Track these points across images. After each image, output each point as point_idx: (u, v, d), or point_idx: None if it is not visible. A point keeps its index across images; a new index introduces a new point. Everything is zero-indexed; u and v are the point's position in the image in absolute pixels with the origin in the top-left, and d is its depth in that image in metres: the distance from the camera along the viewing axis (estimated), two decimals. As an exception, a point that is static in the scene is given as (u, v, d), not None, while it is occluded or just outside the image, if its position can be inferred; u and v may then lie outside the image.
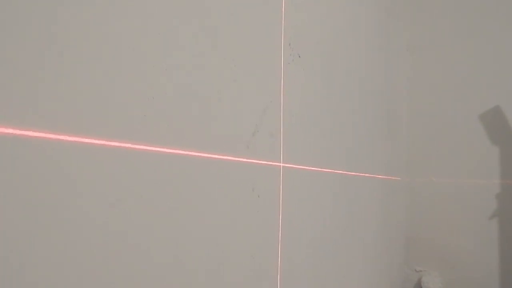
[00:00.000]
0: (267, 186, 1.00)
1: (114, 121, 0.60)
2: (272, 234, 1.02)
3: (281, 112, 1.06)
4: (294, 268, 1.13)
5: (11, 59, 0.47)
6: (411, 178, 2.44)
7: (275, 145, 1.04)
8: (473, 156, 2.30)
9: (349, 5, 1.59)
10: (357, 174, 1.65)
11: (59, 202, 0.52)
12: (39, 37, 0.50)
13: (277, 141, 1.04)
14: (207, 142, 0.79)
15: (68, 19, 0.54)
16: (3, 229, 0.46)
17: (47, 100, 0.51)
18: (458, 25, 2.43)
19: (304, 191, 1.20)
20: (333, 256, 1.42)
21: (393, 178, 2.23)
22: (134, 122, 0.63)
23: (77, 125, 0.55)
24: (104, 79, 0.59)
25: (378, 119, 1.98)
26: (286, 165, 1.08)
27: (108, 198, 0.59)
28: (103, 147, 0.58)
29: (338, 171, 1.45)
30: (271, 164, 1.02)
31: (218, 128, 0.83)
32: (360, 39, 1.71)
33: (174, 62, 0.71)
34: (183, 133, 0.73)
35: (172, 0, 0.71)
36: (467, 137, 2.33)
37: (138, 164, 0.64)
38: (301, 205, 1.18)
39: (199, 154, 0.77)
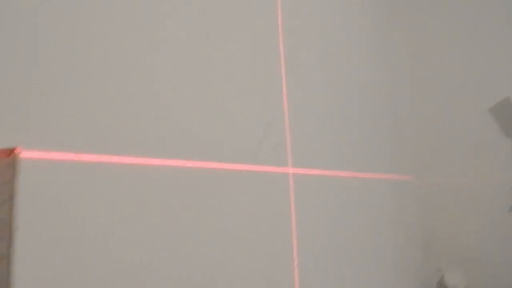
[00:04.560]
0: (279, 194, 1.02)
1: (128, 136, 0.64)
2: (286, 241, 1.04)
3: (286, 120, 1.09)
4: (311, 275, 1.15)
5: (29, 87, 0.51)
6: (427, 178, 2.43)
7: (283, 152, 1.06)
8: (485, 150, 2.28)
9: (347, 10, 1.61)
10: (369, 176, 1.66)
11: (76, 218, 0.56)
12: (51, 62, 0.54)
13: (285, 148, 1.07)
14: (217, 154, 0.83)
15: (80, 41, 0.58)
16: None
17: (63, 126, 0.55)
18: (461, 19, 2.43)
19: (315, 196, 1.22)
20: (351, 259, 1.43)
21: (408, 178, 2.22)
22: (146, 138, 0.67)
23: (94, 145, 0.59)
24: (117, 97, 0.63)
25: (386, 120, 1.98)
26: (296, 171, 1.10)
27: (123, 212, 0.62)
28: (118, 165, 0.62)
29: (349, 175, 1.46)
30: (281, 172, 1.04)
31: (226, 140, 0.86)
32: (360, 43, 1.74)
33: (181, 81, 0.75)
34: (192, 146, 0.77)
35: (176, 22, 0.75)
36: (477, 132, 2.32)
37: (150, 178, 0.67)
38: (314, 209, 1.20)
39: (211, 166, 0.80)
